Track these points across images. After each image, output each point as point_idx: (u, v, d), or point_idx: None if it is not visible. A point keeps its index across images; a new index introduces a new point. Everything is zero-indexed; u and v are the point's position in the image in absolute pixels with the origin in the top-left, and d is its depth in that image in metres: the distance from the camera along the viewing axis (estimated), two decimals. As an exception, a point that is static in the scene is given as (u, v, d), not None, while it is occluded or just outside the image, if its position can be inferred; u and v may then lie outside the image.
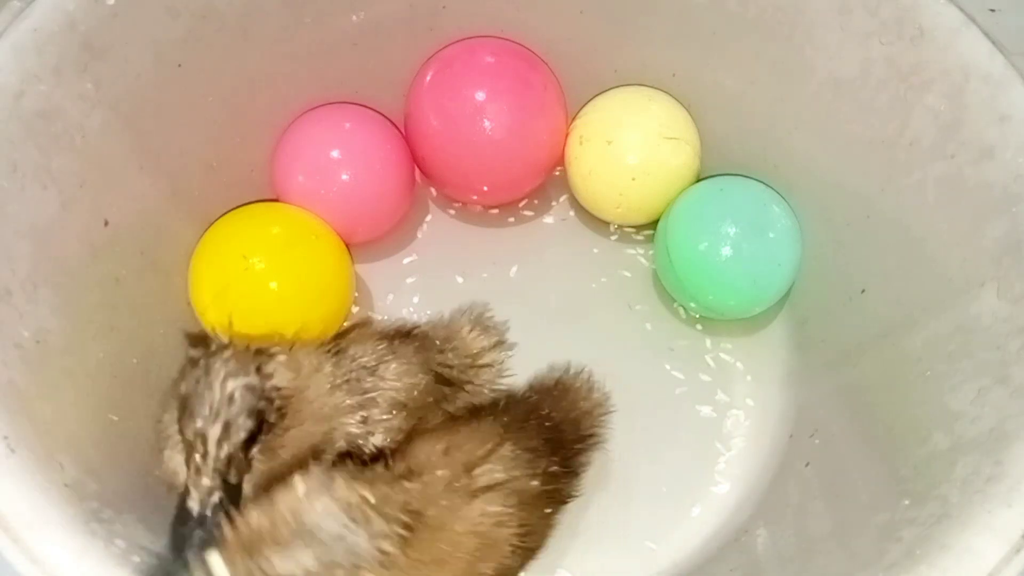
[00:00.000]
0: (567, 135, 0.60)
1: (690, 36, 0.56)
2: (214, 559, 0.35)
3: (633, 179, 0.57)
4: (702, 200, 0.57)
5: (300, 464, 0.40)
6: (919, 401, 0.46)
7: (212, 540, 0.37)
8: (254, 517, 0.35)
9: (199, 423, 0.38)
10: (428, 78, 0.58)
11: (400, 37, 0.58)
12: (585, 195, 0.60)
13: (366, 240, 0.60)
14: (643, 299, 0.61)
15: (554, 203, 0.64)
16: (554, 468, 0.47)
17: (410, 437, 0.46)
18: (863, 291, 0.52)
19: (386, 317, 0.60)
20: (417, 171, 0.61)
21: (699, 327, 0.60)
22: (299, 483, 0.36)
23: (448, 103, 0.57)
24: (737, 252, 0.54)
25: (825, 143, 0.53)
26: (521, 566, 0.46)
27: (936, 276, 0.47)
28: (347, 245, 0.58)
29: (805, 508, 0.51)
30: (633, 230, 0.63)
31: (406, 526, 0.38)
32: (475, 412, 0.50)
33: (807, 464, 0.53)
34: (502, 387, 0.53)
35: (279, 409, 0.41)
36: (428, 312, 0.60)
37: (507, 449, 0.45)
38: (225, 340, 0.42)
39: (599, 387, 0.53)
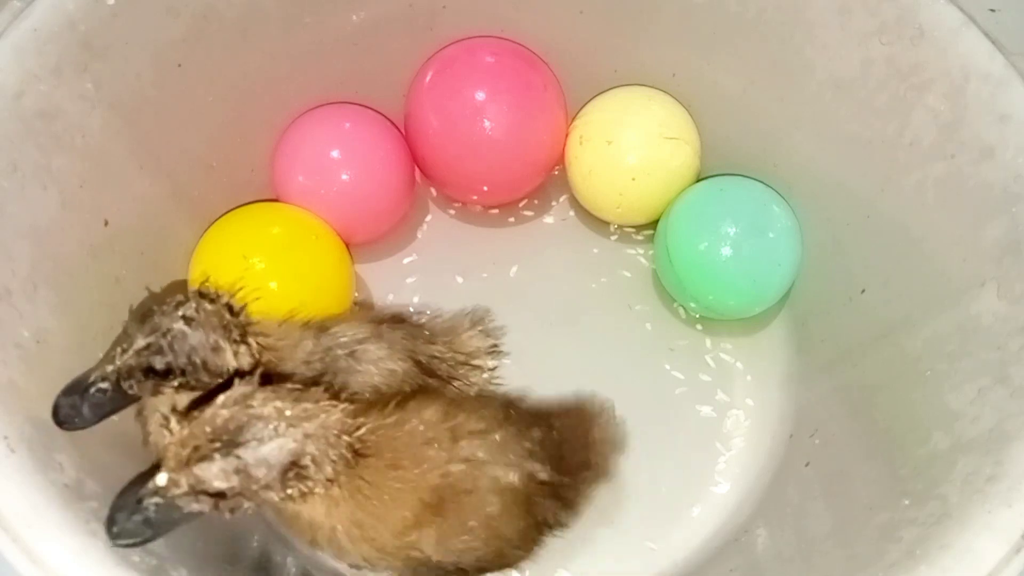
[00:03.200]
0: (567, 135, 0.60)
1: (690, 36, 0.56)
2: (161, 478, 0.36)
3: (633, 179, 0.57)
4: (702, 200, 0.57)
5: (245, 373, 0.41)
6: (919, 401, 0.46)
7: (77, 413, 0.39)
8: (180, 431, 0.36)
9: (136, 328, 0.40)
10: (428, 78, 0.58)
11: (400, 37, 0.58)
12: (585, 195, 0.60)
13: (366, 240, 0.60)
14: (643, 299, 0.61)
15: (554, 203, 0.64)
16: (543, 476, 0.46)
17: (410, 395, 0.46)
18: (863, 291, 0.52)
19: (386, 317, 0.60)
20: (417, 171, 0.61)
21: (699, 327, 0.60)
22: (220, 396, 0.37)
23: (448, 103, 0.57)
24: (737, 252, 0.54)
25: (825, 143, 0.53)
26: (473, 567, 0.45)
27: (936, 276, 0.47)
28: (347, 245, 0.58)
29: (805, 508, 0.51)
30: (633, 230, 0.63)
31: (343, 452, 0.38)
32: (483, 399, 0.50)
33: (807, 464, 0.53)
34: (492, 391, 0.53)
35: (217, 378, 0.41)
36: (428, 312, 0.60)
37: (499, 435, 0.45)
38: (216, 297, 0.42)
39: (616, 420, 0.51)
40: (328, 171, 0.57)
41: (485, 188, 0.60)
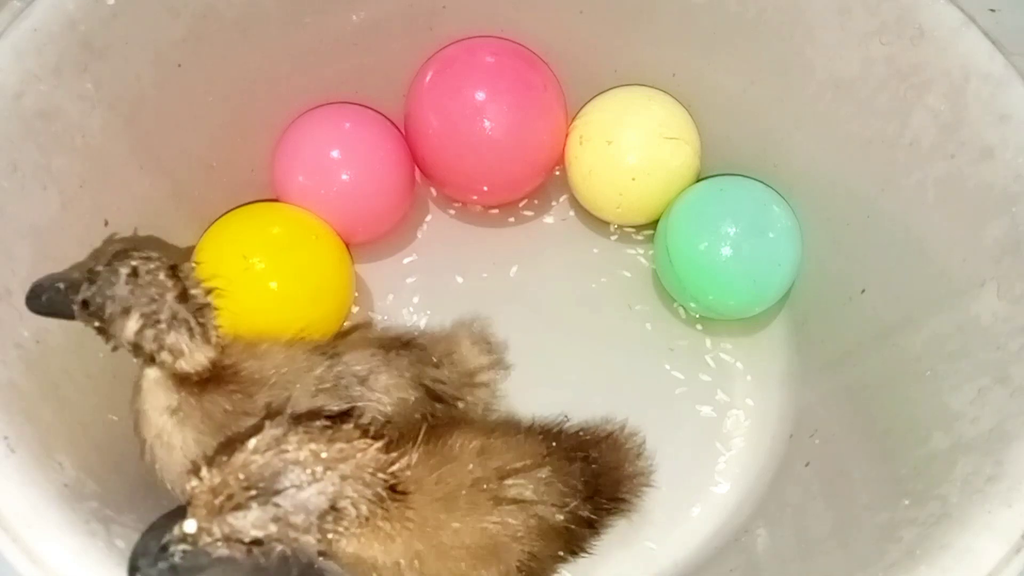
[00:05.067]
0: (567, 135, 0.60)
1: (690, 36, 0.56)
2: (189, 525, 0.34)
3: (633, 179, 0.57)
4: (702, 200, 0.57)
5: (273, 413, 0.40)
6: (919, 401, 0.46)
7: (36, 298, 0.41)
8: (212, 477, 0.35)
9: (108, 256, 0.41)
10: (428, 78, 0.58)
11: (400, 37, 0.58)
12: (585, 195, 0.60)
13: (366, 240, 0.60)
14: (643, 299, 0.61)
15: (554, 203, 0.64)
16: (584, 513, 0.46)
17: (442, 427, 0.46)
18: (863, 291, 0.52)
19: (386, 317, 0.60)
20: (417, 171, 0.61)
21: (699, 327, 0.60)
22: (251, 440, 0.35)
23: (448, 103, 0.57)
24: (737, 252, 0.54)
25: (825, 143, 0.53)
26: None
27: (936, 276, 0.47)
28: (347, 245, 0.58)
29: (805, 508, 0.51)
30: (633, 230, 0.63)
31: (379, 491, 0.37)
32: (521, 427, 0.49)
33: (807, 464, 0.53)
34: (496, 408, 0.53)
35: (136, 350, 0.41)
36: (428, 312, 0.60)
37: (545, 472, 0.45)
38: (183, 278, 0.41)
39: (647, 456, 0.52)
40: (328, 171, 0.57)
41: (485, 188, 0.60)
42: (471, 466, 0.43)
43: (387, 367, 0.48)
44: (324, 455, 0.36)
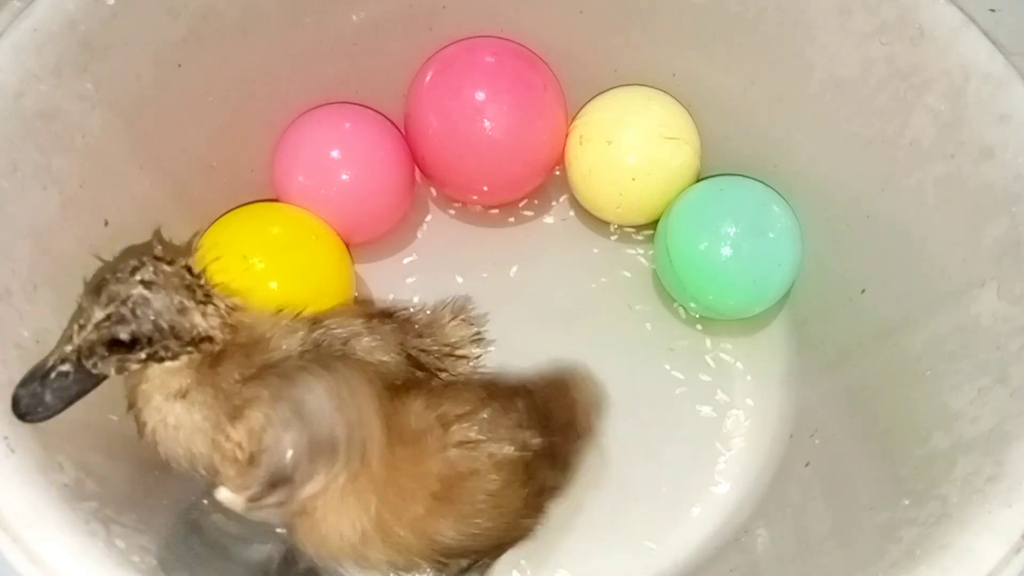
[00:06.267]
0: (567, 135, 0.60)
1: (690, 36, 0.55)
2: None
3: (633, 179, 0.57)
4: (702, 200, 0.57)
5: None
6: (919, 401, 0.46)
7: (39, 402, 0.37)
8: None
9: (92, 301, 0.38)
10: (428, 78, 0.58)
11: (400, 37, 0.58)
12: (585, 195, 0.60)
13: (366, 240, 0.60)
14: (643, 299, 0.61)
15: (554, 203, 0.64)
16: (536, 441, 0.47)
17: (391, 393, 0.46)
18: (863, 291, 0.52)
19: (386, 317, 0.60)
20: (417, 171, 0.61)
21: (699, 327, 0.60)
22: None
23: (448, 103, 0.57)
24: (737, 252, 0.54)
25: (825, 143, 0.53)
26: (491, 545, 0.46)
27: (936, 276, 0.47)
28: (347, 245, 0.58)
29: (805, 508, 0.51)
30: (633, 230, 0.63)
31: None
32: (462, 384, 0.51)
33: (807, 464, 0.53)
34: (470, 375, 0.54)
35: (188, 344, 0.40)
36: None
37: (487, 412, 0.46)
38: (174, 260, 0.41)
39: (595, 382, 0.53)
40: (328, 171, 0.57)
41: (485, 188, 0.60)
42: (413, 420, 0.44)
43: (369, 332, 0.48)
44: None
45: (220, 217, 0.56)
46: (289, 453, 0.36)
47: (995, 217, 0.44)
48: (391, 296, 0.61)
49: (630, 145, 0.57)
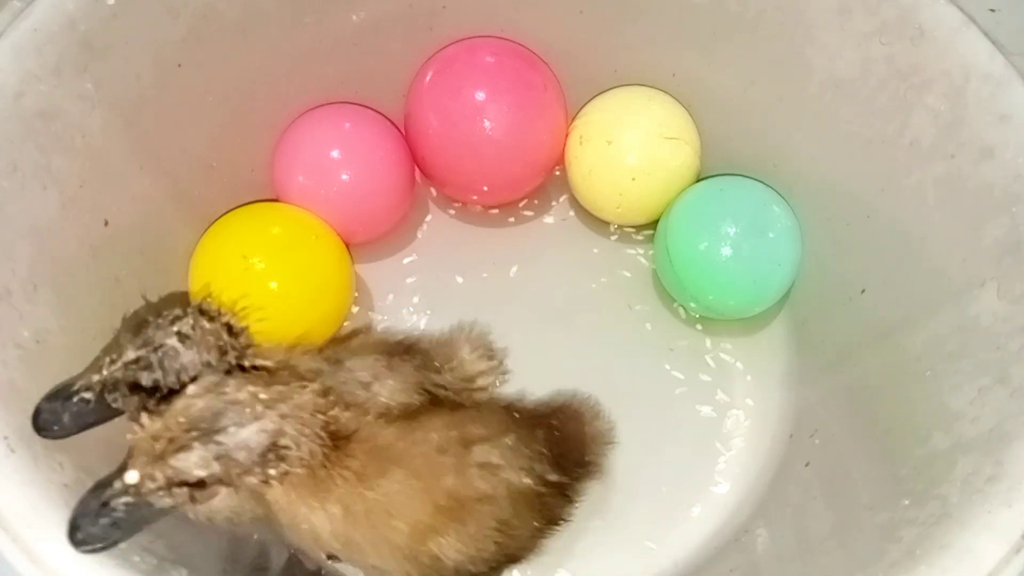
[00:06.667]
0: (567, 135, 0.60)
1: (690, 36, 0.55)
2: (131, 476, 0.35)
3: (633, 179, 0.57)
4: (702, 200, 0.57)
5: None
6: (919, 401, 0.46)
7: (57, 420, 0.38)
8: (152, 425, 0.36)
9: (128, 339, 0.39)
10: (428, 78, 0.58)
11: (400, 37, 0.58)
12: (585, 195, 0.60)
13: (366, 240, 0.60)
14: (643, 299, 0.61)
15: (554, 203, 0.64)
16: (551, 477, 0.46)
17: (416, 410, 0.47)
18: (863, 291, 0.52)
19: (386, 317, 0.60)
20: (417, 171, 0.61)
21: (699, 327, 0.60)
22: (190, 387, 0.37)
23: (448, 103, 0.57)
24: (737, 252, 0.54)
25: (825, 143, 0.53)
26: (488, 569, 0.46)
27: (936, 276, 0.47)
28: (347, 245, 0.58)
29: (805, 508, 0.51)
30: (633, 230, 0.63)
31: (318, 432, 0.38)
32: (484, 404, 0.50)
33: (807, 464, 0.53)
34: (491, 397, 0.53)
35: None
36: (428, 312, 0.60)
37: (510, 439, 0.46)
38: (216, 315, 0.40)
39: (605, 416, 0.52)
40: (328, 171, 0.57)
41: (485, 188, 0.60)
42: (435, 434, 0.44)
43: (391, 373, 0.48)
44: (263, 395, 0.37)
45: (220, 217, 0.56)
46: (195, 465, 0.35)
47: (995, 217, 0.44)
48: (391, 296, 0.61)
49: (630, 145, 0.57)
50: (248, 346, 0.41)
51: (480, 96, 0.56)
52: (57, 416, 0.38)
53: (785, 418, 0.57)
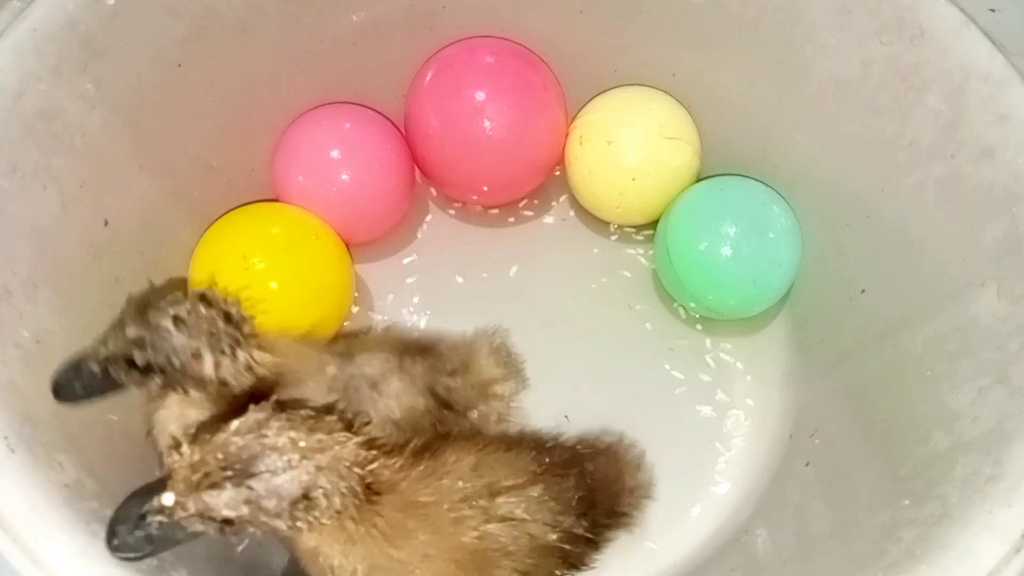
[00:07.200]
0: (567, 135, 0.60)
1: (690, 36, 0.55)
2: (167, 498, 0.35)
3: (633, 179, 0.57)
4: (702, 200, 0.57)
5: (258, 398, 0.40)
6: (919, 401, 0.46)
7: (70, 387, 0.40)
8: (192, 454, 0.36)
9: (131, 318, 0.40)
10: (428, 78, 0.58)
11: (400, 37, 0.58)
12: (585, 195, 0.60)
13: (366, 240, 0.60)
14: (643, 299, 0.61)
15: (554, 203, 0.64)
16: (578, 531, 0.45)
17: (441, 438, 0.46)
18: (863, 291, 0.52)
19: (386, 317, 0.60)
20: (417, 171, 0.61)
21: (699, 327, 0.60)
22: (234, 422, 0.36)
23: (448, 103, 0.57)
24: (737, 252, 0.54)
25: (825, 143, 0.53)
26: None
27: (936, 276, 0.47)
28: (347, 245, 0.58)
29: (805, 508, 0.51)
30: (633, 230, 0.63)
31: (354, 486, 0.38)
32: (515, 441, 0.49)
33: (807, 464, 0.53)
34: (510, 420, 0.52)
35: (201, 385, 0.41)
36: (428, 312, 0.60)
37: (537, 490, 0.44)
38: (215, 303, 0.41)
39: (648, 468, 0.51)
40: (328, 171, 0.57)
41: (485, 188, 0.60)
42: (461, 483, 0.43)
43: (400, 373, 0.47)
44: (302, 444, 0.36)
45: (220, 217, 0.56)
46: (224, 504, 0.35)
47: (995, 217, 0.44)
48: (391, 296, 0.61)
49: (630, 145, 0.57)
50: (250, 336, 0.41)
51: (480, 96, 0.56)
52: (70, 384, 0.40)
53: (785, 418, 0.57)
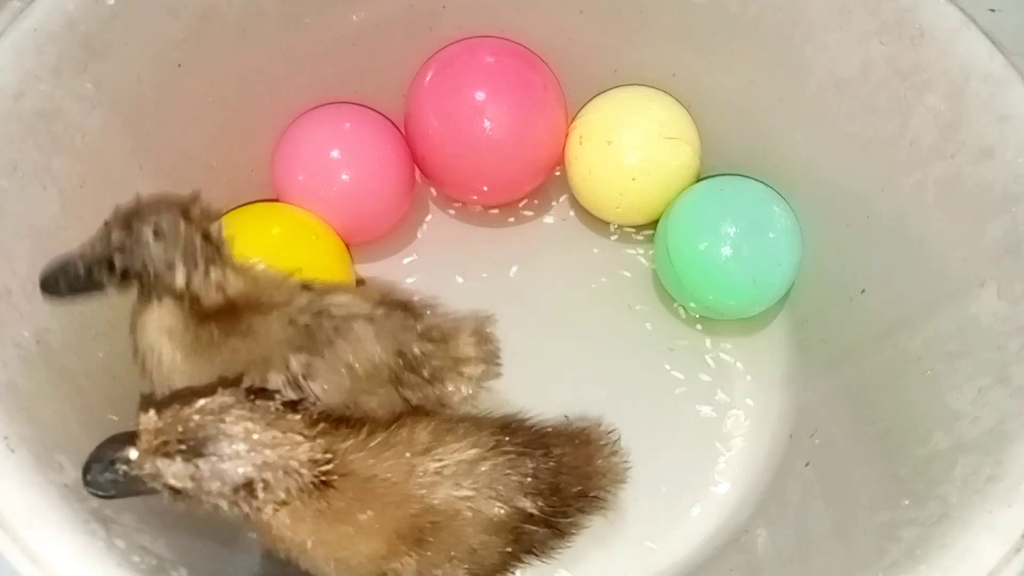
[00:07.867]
0: (567, 135, 0.60)
1: (690, 36, 0.56)
2: (132, 452, 0.37)
3: (633, 179, 0.57)
4: (702, 200, 0.57)
5: (233, 381, 0.43)
6: (919, 401, 0.46)
7: (55, 283, 0.42)
8: (158, 420, 0.38)
9: (118, 222, 0.43)
10: (428, 78, 0.58)
11: (400, 37, 0.58)
12: (585, 195, 0.60)
13: (366, 240, 0.60)
14: (643, 299, 0.61)
15: (554, 203, 0.64)
16: (532, 510, 0.45)
17: (404, 415, 0.46)
18: (863, 291, 0.52)
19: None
20: (417, 171, 0.61)
21: (699, 327, 0.60)
22: (200, 400, 0.38)
23: (448, 103, 0.57)
24: (737, 252, 0.54)
25: (825, 143, 0.53)
26: None
27: (936, 276, 0.47)
28: (347, 245, 0.58)
29: (805, 508, 0.51)
30: (633, 230, 0.63)
31: (300, 484, 0.39)
32: (477, 420, 0.48)
33: (807, 464, 0.53)
34: (475, 404, 0.50)
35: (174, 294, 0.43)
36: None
37: (486, 465, 0.44)
38: (196, 220, 0.43)
39: (623, 452, 0.49)
40: (328, 171, 0.57)
41: (485, 188, 0.60)
42: (409, 454, 0.43)
43: (368, 321, 0.46)
44: (256, 436, 0.38)
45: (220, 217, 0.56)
46: (171, 475, 0.37)
47: (995, 217, 0.44)
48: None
49: (630, 145, 0.57)
50: (226, 256, 0.44)
51: (480, 96, 0.56)
52: (56, 281, 0.42)
53: (785, 418, 0.57)
